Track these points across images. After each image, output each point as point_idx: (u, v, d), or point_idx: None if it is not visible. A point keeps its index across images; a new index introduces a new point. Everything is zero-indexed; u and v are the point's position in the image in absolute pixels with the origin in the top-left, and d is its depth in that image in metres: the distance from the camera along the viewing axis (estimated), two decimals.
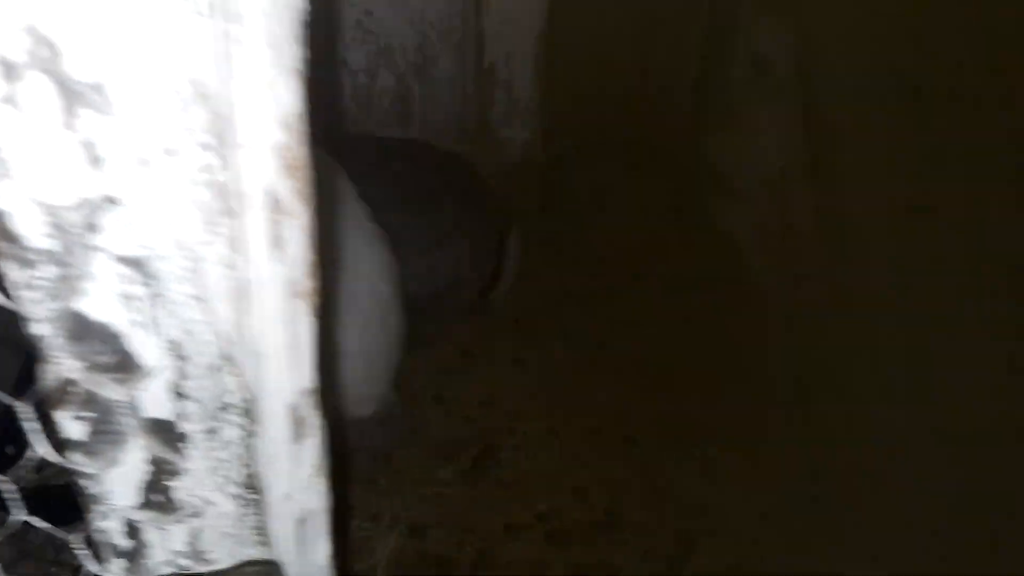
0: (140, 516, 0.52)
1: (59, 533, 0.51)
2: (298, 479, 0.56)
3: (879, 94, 2.18)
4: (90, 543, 0.54)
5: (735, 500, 1.77)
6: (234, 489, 0.52)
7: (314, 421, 0.55)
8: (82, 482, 0.49)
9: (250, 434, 0.49)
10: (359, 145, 2.32)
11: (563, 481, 1.83)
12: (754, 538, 1.69)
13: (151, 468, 0.50)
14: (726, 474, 1.84)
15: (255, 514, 0.54)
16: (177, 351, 0.44)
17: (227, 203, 0.41)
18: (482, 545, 1.68)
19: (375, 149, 2.25)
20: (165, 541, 0.54)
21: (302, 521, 0.59)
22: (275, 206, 0.42)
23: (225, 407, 0.48)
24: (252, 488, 0.52)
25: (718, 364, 2.18)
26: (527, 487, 1.81)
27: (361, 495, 1.77)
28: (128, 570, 0.55)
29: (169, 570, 0.56)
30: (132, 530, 0.53)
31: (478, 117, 2.69)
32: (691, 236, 2.66)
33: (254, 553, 0.57)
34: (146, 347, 0.44)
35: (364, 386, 1.73)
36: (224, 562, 0.56)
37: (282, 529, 0.58)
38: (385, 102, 2.71)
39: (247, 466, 0.51)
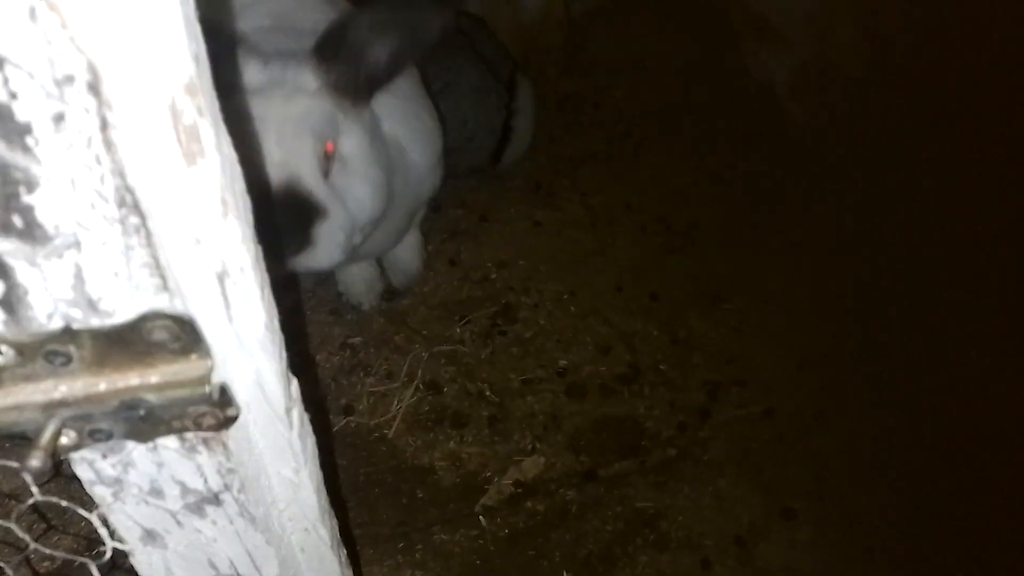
0: (3, 246, 0.43)
1: None
2: (203, 216, 0.47)
3: None
4: None
5: (766, 351, 1.67)
6: (110, 209, 0.42)
7: (209, 136, 0.44)
8: None
9: (107, 125, 0.39)
10: None
11: (583, 337, 1.74)
12: (789, 385, 1.60)
13: None
14: (757, 326, 1.73)
15: (145, 247, 0.44)
16: None
17: None
18: (499, 399, 1.62)
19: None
20: (44, 283, 0.45)
21: (223, 276, 0.50)
22: None
23: (66, 80, 0.37)
24: (132, 208, 0.43)
25: (749, 220, 2.03)
26: (545, 344, 1.74)
27: (376, 353, 1.72)
28: (8, 323, 0.47)
29: (59, 323, 0.48)
30: (0, 268, 0.44)
31: None
32: (725, 89, 2.45)
33: (158, 303, 0.48)
34: None
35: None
36: (122, 313, 0.48)
37: (197, 282, 0.49)
38: None
39: (119, 175, 0.41)
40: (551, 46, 2.64)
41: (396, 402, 1.62)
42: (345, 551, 0.83)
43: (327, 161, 1.25)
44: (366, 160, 1.29)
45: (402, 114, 1.46)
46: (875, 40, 2.04)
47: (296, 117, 1.20)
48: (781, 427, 1.52)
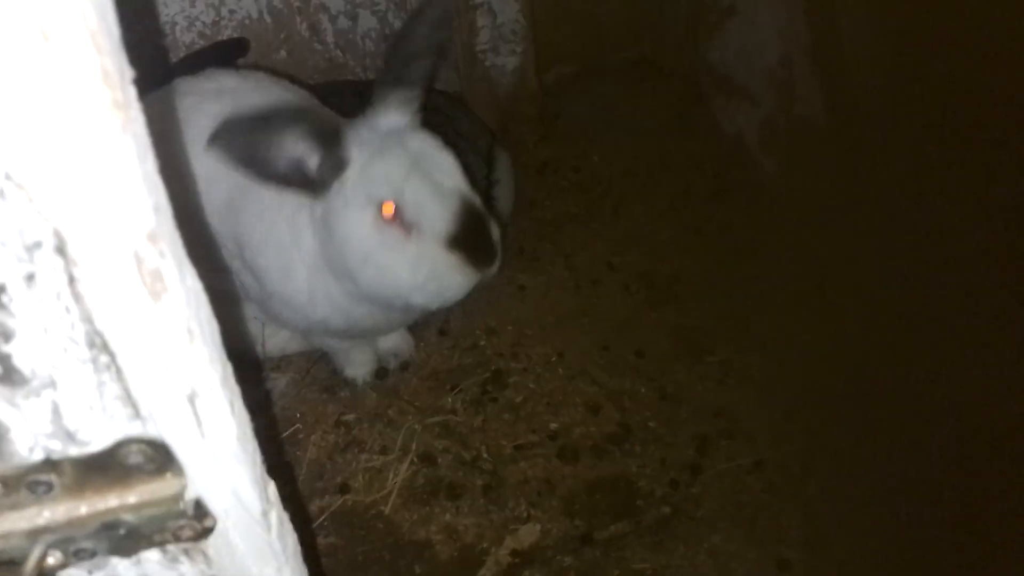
0: None
1: None
2: (171, 346, 0.50)
3: None
4: None
5: (752, 401, 1.69)
6: (81, 351, 0.46)
7: (173, 274, 0.48)
8: None
9: (74, 279, 0.43)
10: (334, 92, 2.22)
11: (573, 399, 1.76)
12: (776, 435, 1.61)
13: None
14: (742, 377, 1.75)
15: (116, 382, 0.48)
16: None
17: None
18: (493, 467, 1.63)
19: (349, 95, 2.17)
20: (24, 421, 0.48)
21: (193, 397, 0.53)
22: None
23: (34, 246, 0.41)
24: (102, 349, 0.46)
25: (729, 272, 2.07)
26: (536, 408, 1.75)
27: (369, 428, 1.73)
28: None
29: (40, 455, 0.50)
30: None
31: (464, 47, 2.58)
32: (698, 146, 2.52)
33: (132, 430, 0.51)
34: None
35: None
36: (99, 442, 0.51)
37: (167, 406, 0.52)
38: (369, 44, 2.61)
39: (87, 321, 0.45)
40: (527, 116, 2.72)
41: (391, 477, 1.63)
42: None
43: None
44: None
45: None
46: (832, 90, 2.12)
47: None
48: (771, 478, 1.53)
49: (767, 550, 1.41)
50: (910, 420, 1.59)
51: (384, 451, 1.68)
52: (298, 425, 1.77)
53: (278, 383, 1.90)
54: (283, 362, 1.92)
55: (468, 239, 1.36)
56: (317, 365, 1.89)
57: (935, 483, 1.49)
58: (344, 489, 1.60)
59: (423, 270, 1.36)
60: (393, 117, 1.40)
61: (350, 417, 1.76)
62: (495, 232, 1.43)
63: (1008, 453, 1.43)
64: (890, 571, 1.37)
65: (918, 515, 1.46)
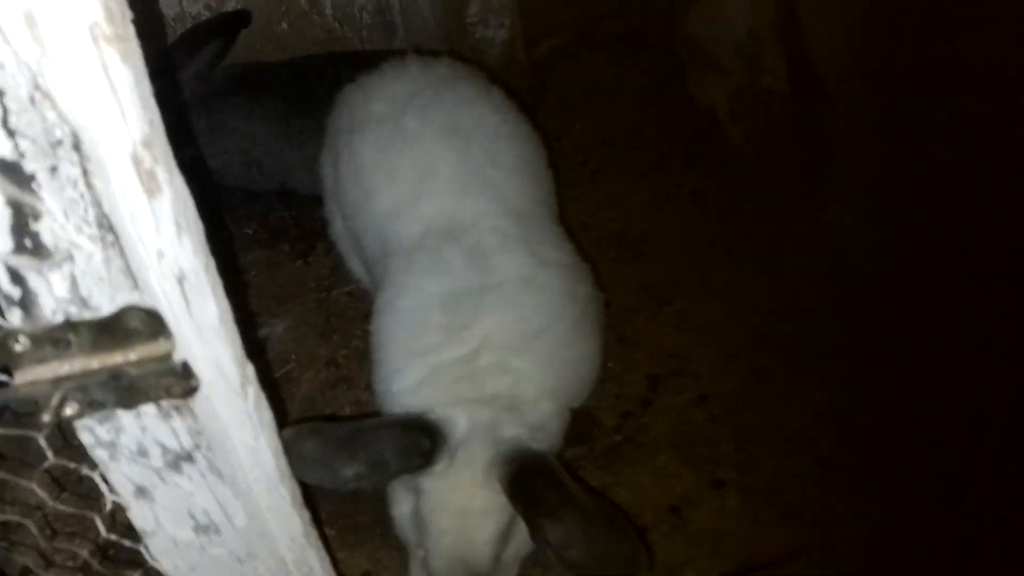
0: (18, 261, 0.59)
1: None
2: (163, 236, 0.62)
3: None
4: None
5: (702, 344, 1.81)
6: (92, 231, 0.58)
7: (164, 176, 0.60)
8: None
9: (87, 172, 0.55)
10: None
11: None
12: (720, 373, 1.74)
13: (11, 211, 0.56)
14: (696, 324, 1.88)
15: (120, 258, 0.60)
16: None
17: None
18: None
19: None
20: (49, 288, 0.61)
21: (181, 279, 0.65)
22: None
23: (57, 143, 0.53)
24: (109, 230, 0.59)
25: (695, 233, 2.19)
26: None
27: (358, 368, 1.87)
28: (24, 319, 0.62)
29: (60, 317, 0.63)
30: (16, 277, 0.60)
31: (454, 19, 2.67)
32: (675, 115, 2.63)
33: (133, 299, 0.64)
34: None
35: None
36: (106, 308, 0.63)
37: (161, 285, 0.64)
38: (366, 16, 2.71)
39: (97, 206, 0.57)
40: (516, 87, 2.82)
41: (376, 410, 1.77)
42: (309, 513, 0.97)
43: None
44: None
45: None
46: (795, 63, 2.21)
47: None
48: (713, 410, 1.66)
49: (704, 472, 1.54)
50: (843, 362, 1.72)
51: (370, 387, 1.82)
52: (293, 364, 1.91)
53: (276, 328, 2.04)
54: (281, 309, 2.06)
55: None
56: (311, 312, 2.03)
57: (856, 412, 1.63)
58: (333, 420, 1.74)
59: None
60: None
61: (340, 357, 1.89)
62: None
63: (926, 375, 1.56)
64: (811, 490, 1.50)
65: (839, 442, 1.59)
